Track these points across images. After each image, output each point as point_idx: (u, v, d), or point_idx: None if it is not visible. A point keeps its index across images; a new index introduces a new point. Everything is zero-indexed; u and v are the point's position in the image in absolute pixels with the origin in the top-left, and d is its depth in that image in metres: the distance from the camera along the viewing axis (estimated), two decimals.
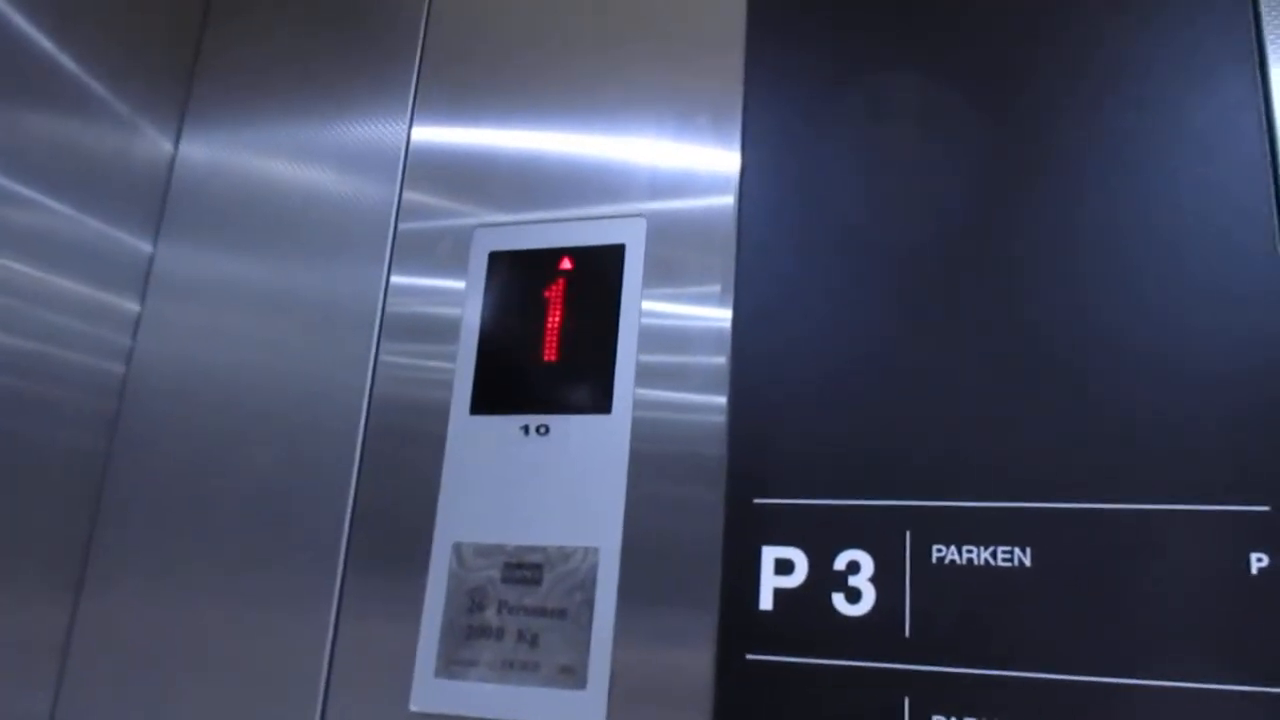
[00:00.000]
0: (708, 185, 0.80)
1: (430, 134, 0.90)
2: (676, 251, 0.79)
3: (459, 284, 0.83)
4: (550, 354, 0.79)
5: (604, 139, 0.84)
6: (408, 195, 0.88)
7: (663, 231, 0.80)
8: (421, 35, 0.93)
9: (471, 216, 0.85)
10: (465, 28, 0.92)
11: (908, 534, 0.66)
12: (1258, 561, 0.59)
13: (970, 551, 0.65)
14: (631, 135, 0.83)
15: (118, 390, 0.90)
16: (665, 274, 0.79)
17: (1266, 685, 0.57)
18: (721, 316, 0.76)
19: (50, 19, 0.84)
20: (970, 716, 0.62)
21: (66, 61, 0.86)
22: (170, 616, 0.82)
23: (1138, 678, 0.59)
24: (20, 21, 0.82)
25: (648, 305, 0.78)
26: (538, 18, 0.90)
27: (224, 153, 0.96)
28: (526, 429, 0.78)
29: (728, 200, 0.79)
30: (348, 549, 0.79)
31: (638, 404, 0.76)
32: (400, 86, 0.92)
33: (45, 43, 0.84)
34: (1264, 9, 0.69)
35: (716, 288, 0.77)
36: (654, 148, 0.82)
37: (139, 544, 0.85)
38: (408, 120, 0.91)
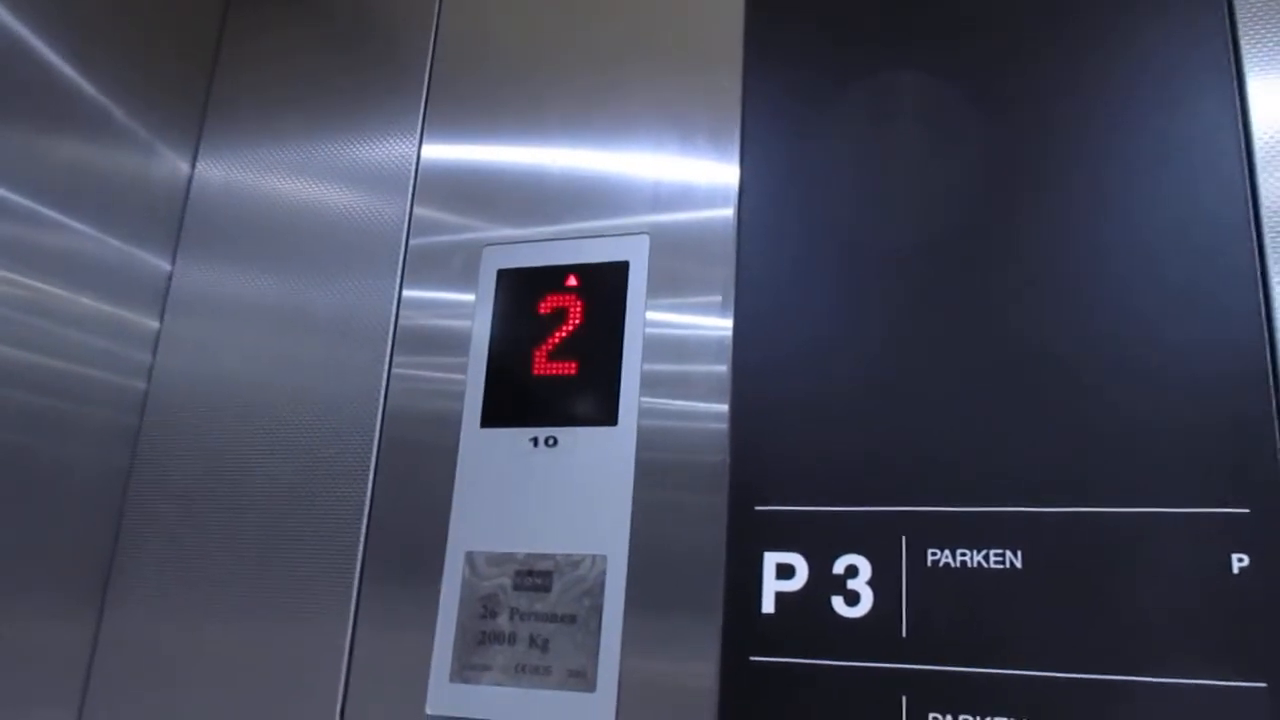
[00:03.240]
0: (708, 198, 0.81)
1: (439, 152, 0.91)
2: (678, 263, 0.80)
3: (469, 297, 0.85)
4: (557, 369, 0.80)
5: (607, 155, 0.86)
6: (418, 211, 0.90)
7: (665, 243, 0.81)
8: (430, 57, 0.94)
9: (480, 231, 0.87)
10: (472, 50, 0.93)
11: (904, 538, 0.68)
12: (1239, 562, 0.61)
13: (964, 554, 0.66)
14: (634, 151, 0.85)
15: (138, 406, 0.91)
16: (668, 284, 0.80)
17: (1247, 680, 0.59)
18: (723, 326, 0.77)
19: (72, 47, 0.86)
20: (965, 714, 0.63)
21: (87, 87, 0.87)
22: (191, 627, 0.84)
23: (1125, 674, 0.61)
24: (44, 50, 0.84)
25: (651, 315, 0.79)
26: (543, 38, 0.91)
27: (239, 173, 0.97)
28: (535, 441, 0.79)
29: (727, 212, 0.80)
30: (364, 559, 0.81)
31: (642, 413, 0.77)
32: (410, 106, 0.93)
33: (67, 70, 0.85)
34: (1241, 32, 0.71)
35: (718, 298, 0.78)
36: (656, 162, 0.84)
37: (160, 557, 0.87)
38: (418, 139, 0.92)
